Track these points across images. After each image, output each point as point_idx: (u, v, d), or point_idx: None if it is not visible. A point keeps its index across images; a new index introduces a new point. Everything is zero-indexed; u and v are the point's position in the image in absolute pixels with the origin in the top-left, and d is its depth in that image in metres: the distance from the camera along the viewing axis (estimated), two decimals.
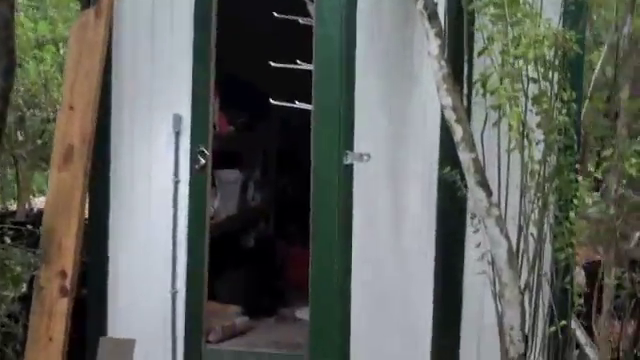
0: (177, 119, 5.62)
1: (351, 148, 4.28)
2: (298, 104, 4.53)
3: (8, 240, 5.77)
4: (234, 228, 6.88)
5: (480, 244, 4.48)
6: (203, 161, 5.59)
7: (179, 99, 5.64)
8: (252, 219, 7.47)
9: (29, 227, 5.62)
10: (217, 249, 5.78)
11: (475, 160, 4.25)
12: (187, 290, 5.67)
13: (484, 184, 4.25)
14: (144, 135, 5.72)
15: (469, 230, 5.11)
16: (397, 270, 5.26)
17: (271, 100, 4.66)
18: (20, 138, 7.93)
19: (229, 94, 6.42)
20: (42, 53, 8.17)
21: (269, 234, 7.93)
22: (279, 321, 6.71)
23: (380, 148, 4.92)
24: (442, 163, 4.99)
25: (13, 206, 8.39)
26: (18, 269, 5.53)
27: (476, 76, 4.51)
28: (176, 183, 5.65)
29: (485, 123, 4.47)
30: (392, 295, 5.29)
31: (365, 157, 4.33)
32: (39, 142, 7.87)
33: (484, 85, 4.41)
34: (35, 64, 8.01)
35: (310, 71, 4.58)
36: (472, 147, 4.26)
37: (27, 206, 8.29)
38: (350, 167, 4.27)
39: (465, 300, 5.34)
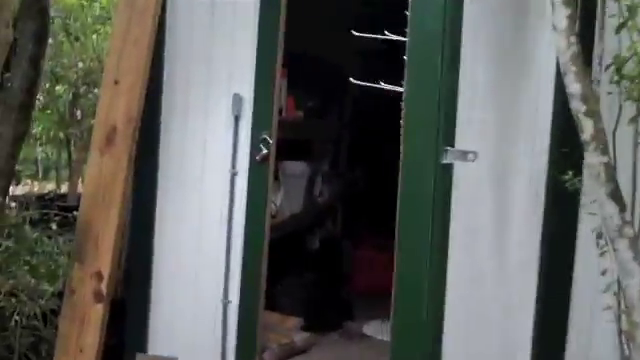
0: (237, 100, 4.81)
1: (452, 144, 3.41)
2: (383, 85, 3.68)
3: (54, 226, 5.10)
4: (298, 228, 6.06)
5: (606, 271, 3.56)
6: (265, 151, 4.79)
7: (240, 77, 4.85)
8: (318, 217, 6.64)
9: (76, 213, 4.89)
10: (277, 251, 4.98)
11: (607, 166, 3.32)
12: (241, 300, 4.88)
13: (617, 197, 3.32)
14: (198, 118, 4.94)
15: (581, 248, 4.23)
16: (497, 288, 4.37)
17: (351, 79, 3.81)
18: (76, 117, 7.28)
19: (297, 74, 5.59)
20: (104, 27, 7.47)
21: (336, 235, 7.09)
22: (344, 337, 5.90)
23: (484, 146, 4.04)
24: (554, 166, 4.09)
25: (65, 188, 7.77)
26: (61, 259, 4.83)
27: (609, 59, 3.55)
28: (233, 175, 4.86)
29: (618, 119, 3.53)
30: (490, 317, 4.40)
31: (471, 156, 3.44)
32: (92, 122, 7.17)
33: (619, 70, 3.46)
34: (95, 39, 7.32)
35: (398, 48, 3.71)
36: (604, 149, 3.33)
37: (79, 189, 7.68)
38: (449, 167, 3.40)
39: (571, 329, 4.40)
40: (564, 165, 3.90)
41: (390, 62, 3.90)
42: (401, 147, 3.37)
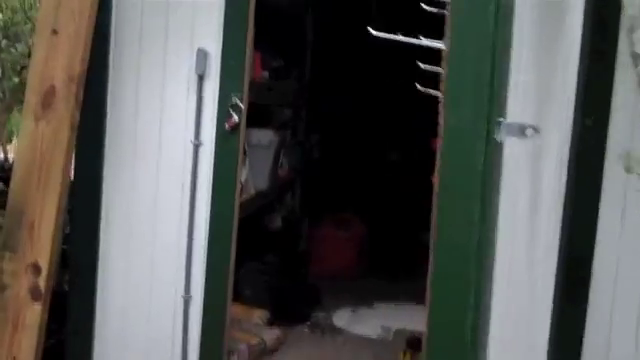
0: (202, 56, 4.02)
1: (504, 116, 2.69)
2: (404, 38, 2.93)
3: None
4: (262, 207, 5.30)
5: None
6: (236, 117, 4.00)
7: (206, 27, 4.05)
8: (280, 193, 5.89)
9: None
10: (238, 234, 4.20)
11: None
12: (205, 295, 4.11)
13: None
14: (155, 78, 4.12)
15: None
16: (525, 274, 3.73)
17: (371, 30, 3.04)
18: None
19: (262, 27, 4.79)
20: None
21: (296, 212, 6.35)
22: (314, 330, 5.20)
23: (528, 115, 3.36)
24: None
25: None
26: None
27: None
28: (197, 147, 4.07)
29: None
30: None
31: (529, 131, 2.73)
32: (17, 80, 6.21)
33: None
34: None
35: None
36: None
37: (2, 155, 6.92)
38: (501, 146, 2.69)
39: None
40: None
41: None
42: (440, 119, 2.65)
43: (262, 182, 5.07)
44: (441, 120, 2.68)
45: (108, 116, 4.14)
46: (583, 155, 3.57)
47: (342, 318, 5.44)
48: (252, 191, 4.92)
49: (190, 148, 4.07)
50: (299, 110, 6.37)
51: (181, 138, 4.09)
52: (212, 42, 4.02)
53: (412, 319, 5.50)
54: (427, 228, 2.90)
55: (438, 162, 2.66)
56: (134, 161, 4.15)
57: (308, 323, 5.24)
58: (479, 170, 2.55)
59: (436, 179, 2.68)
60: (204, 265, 4.10)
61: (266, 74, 5.19)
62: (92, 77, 3.96)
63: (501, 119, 2.64)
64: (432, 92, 3.28)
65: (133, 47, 4.11)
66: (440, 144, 2.66)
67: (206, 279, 4.10)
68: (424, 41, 2.89)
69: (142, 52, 4.11)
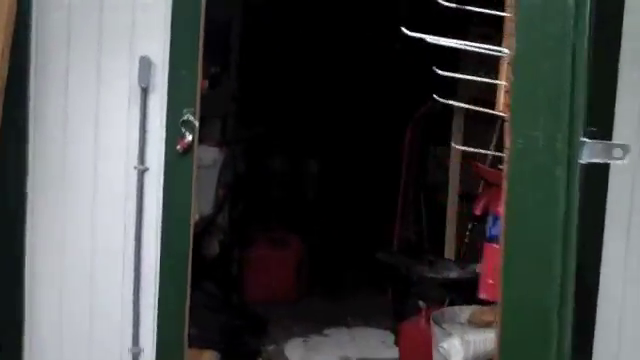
0: (145, 66, 3.38)
1: (592, 134, 2.19)
2: (453, 41, 2.40)
3: None
4: (205, 232, 4.67)
5: None
6: (189, 137, 3.37)
7: (149, 31, 3.40)
8: (217, 213, 5.25)
9: None
10: None
11: None
12: (159, 345, 3.49)
13: None
14: (87, 91, 3.44)
15: None
16: None
17: (405, 30, 2.49)
18: None
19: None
20: None
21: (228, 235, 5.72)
22: None
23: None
24: None
25: None
26: None
27: None
28: (142, 172, 3.41)
29: None
30: None
31: (618, 152, 2.23)
32: None
33: None
34: None
35: None
36: None
37: None
38: (591, 169, 2.18)
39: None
40: None
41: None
42: (507, 138, 2.14)
43: (206, 206, 4.44)
44: (507, 142, 2.16)
45: (30, 139, 3.43)
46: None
47: (295, 350, 4.90)
48: (197, 217, 4.27)
49: (133, 174, 3.42)
50: (225, 120, 5.75)
51: (122, 163, 3.43)
52: (157, 49, 3.38)
53: (369, 345, 5.05)
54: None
55: (505, 194, 2.12)
56: (64, 193, 3.46)
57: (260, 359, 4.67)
58: (559, 202, 2.03)
59: (504, 216, 2.14)
60: (155, 310, 3.46)
61: (206, 83, 4.55)
62: (10, 92, 3.24)
63: (584, 139, 2.13)
64: (454, 103, 2.81)
65: (59, 55, 3.41)
66: (507, 171, 2.14)
67: (159, 326, 3.47)
68: (480, 45, 2.36)
69: (71, 61, 3.42)
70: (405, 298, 4.87)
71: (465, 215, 5.95)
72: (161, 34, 3.36)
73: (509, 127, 2.16)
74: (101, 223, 3.45)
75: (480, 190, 4.98)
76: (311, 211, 7.03)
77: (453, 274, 4.83)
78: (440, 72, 2.91)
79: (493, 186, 2.54)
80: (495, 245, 2.54)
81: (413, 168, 6.36)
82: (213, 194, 4.59)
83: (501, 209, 2.34)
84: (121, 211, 3.44)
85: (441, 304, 4.39)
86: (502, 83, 2.68)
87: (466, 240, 5.77)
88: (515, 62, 2.17)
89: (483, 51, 2.40)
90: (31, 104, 3.41)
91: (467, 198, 5.90)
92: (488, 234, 2.54)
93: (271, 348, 4.86)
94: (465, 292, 4.59)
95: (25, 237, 3.45)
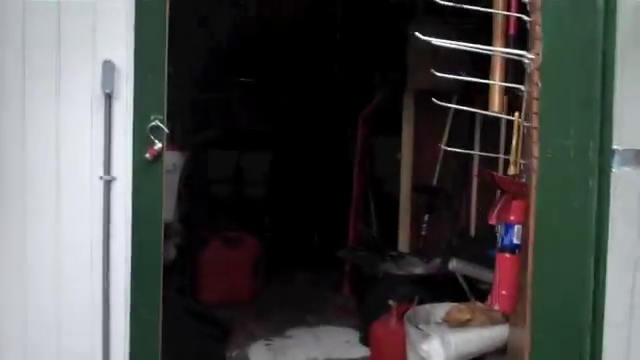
0: (109, 70, 3.19)
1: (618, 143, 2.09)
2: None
3: None
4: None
5: None
6: (159, 144, 3.21)
7: (112, 33, 3.21)
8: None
9: None
10: None
11: None
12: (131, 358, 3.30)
13: None
14: (46, 98, 3.23)
15: None
16: None
17: (419, 35, 2.38)
18: None
19: None
20: None
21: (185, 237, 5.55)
22: None
23: None
24: None
25: None
26: None
27: None
28: (108, 182, 3.22)
29: None
30: None
31: None
32: None
33: None
34: None
35: None
36: None
37: None
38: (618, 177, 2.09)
39: None
40: None
41: None
42: (535, 146, 2.05)
43: (168, 212, 4.26)
44: (535, 152, 2.07)
45: None
46: None
47: (259, 354, 4.76)
48: None
49: (99, 185, 3.23)
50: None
51: (86, 173, 3.24)
52: (121, 53, 3.19)
53: (334, 345, 4.97)
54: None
55: (533, 204, 2.04)
56: (24, 205, 3.24)
57: None
58: (590, 212, 1.96)
59: (531, 225, 2.06)
60: (127, 324, 3.29)
61: None
62: None
63: (616, 146, 2.06)
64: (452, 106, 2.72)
65: (15, 57, 3.19)
66: (535, 182, 2.06)
67: (132, 340, 3.30)
68: (507, 50, 2.27)
69: (27, 67, 3.20)
70: (370, 296, 4.79)
71: (418, 207, 5.93)
72: (124, 36, 3.19)
73: (536, 136, 2.07)
74: (66, 238, 3.25)
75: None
76: (263, 209, 6.92)
77: (419, 270, 4.77)
78: (437, 74, 2.83)
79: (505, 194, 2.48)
80: (507, 255, 2.48)
81: (364, 161, 6.29)
82: (174, 199, 4.43)
83: (513, 217, 2.27)
84: (87, 223, 3.25)
85: (410, 302, 4.31)
86: (496, 84, 2.62)
87: (423, 232, 5.74)
88: (543, 68, 2.08)
89: (504, 55, 2.31)
90: None
91: (419, 189, 5.86)
92: (500, 244, 2.48)
93: (235, 354, 4.71)
94: (432, 288, 4.54)
95: None
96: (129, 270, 3.27)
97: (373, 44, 6.58)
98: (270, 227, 6.77)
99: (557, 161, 2.01)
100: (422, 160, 5.91)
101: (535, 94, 2.14)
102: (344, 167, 6.59)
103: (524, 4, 2.70)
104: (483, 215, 5.56)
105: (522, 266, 2.29)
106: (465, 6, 2.64)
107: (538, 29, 2.14)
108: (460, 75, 3.01)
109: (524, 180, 2.48)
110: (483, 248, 4.81)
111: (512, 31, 2.78)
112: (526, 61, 2.40)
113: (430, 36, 5.45)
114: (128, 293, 3.27)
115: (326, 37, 7.32)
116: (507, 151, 5.13)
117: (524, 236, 2.38)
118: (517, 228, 2.49)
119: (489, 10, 2.70)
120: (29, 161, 3.23)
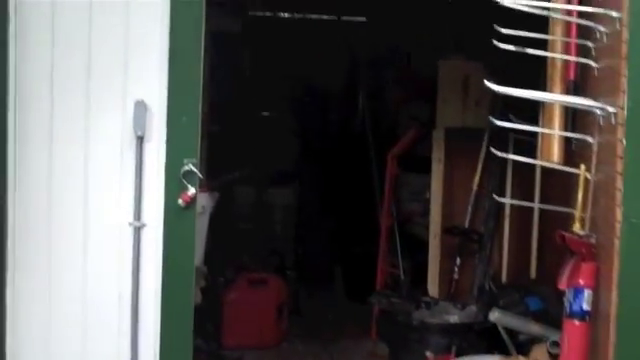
0: (141, 111, 3.06)
1: None
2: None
3: None
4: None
5: None
6: (192, 190, 3.04)
7: (145, 73, 3.07)
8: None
9: None
10: None
11: None
12: None
13: None
14: (75, 139, 3.10)
15: None
16: None
17: (490, 84, 2.20)
18: None
19: None
20: None
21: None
22: None
23: None
24: None
25: None
26: None
27: None
28: (138, 229, 3.06)
29: None
30: None
31: None
32: None
33: None
34: None
35: None
36: None
37: None
38: None
39: None
40: None
41: None
42: (619, 210, 1.88)
43: (198, 258, 4.09)
44: (618, 215, 1.90)
45: (10, 191, 3.06)
46: None
47: None
48: None
49: (129, 232, 3.07)
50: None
51: (115, 219, 3.09)
52: (153, 91, 3.05)
53: None
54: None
55: (616, 271, 1.87)
56: (50, 253, 3.10)
57: None
58: None
59: (613, 295, 1.88)
60: None
61: None
62: None
63: None
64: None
65: (42, 95, 3.06)
66: (618, 246, 1.88)
67: None
68: (585, 102, 2.10)
69: (55, 103, 3.07)
70: (405, 345, 4.57)
71: (449, 249, 5.74)
72: (157, 75, 3.04)
73: (619, 199, 1.89)
74: (92, 287, 3.11)
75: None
76: (288, 247, 6.75)
77: (454, 318, 4.56)
78: (499, 123, 2.66)
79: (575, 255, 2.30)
80: (577, 322, 2.29)
81: (391, 201, 6.12)
82: (203, 243, 4.25)
83: (583, 281, 2.10)
84: (115, 273, 3.09)
85: (447, 353, 4.11)
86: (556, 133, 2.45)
87: (455, 277, 5.53)
88: (629, 123, 1.90)
89: (582, 107, 2.13)
90: (11, 152, 3.05)
91: (451, 232, 5.67)
92: (569, 309, 2.29)
93: None
94: (469, 338, 4.34)
95: (4, 304, 3.07)
96: (159, 320, 3.10)
97: (402, 81, 6.46)
98: (295, 266, 6.59)
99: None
100: (452, 200, 5.74)
101: (619, 151, 1.97)
102: (371, 205, 6.42)
103: (588, 48, 2.54)
104: (516, 259, 5.46)
105: (593, 335, 2.12)
106: (529, 50, 2.47)
107: (623, 80, 1.97)
108: (514, 121, 2.83)
109: (593, 240, 2.31)
110: (520, 296, 4.65)
111: (572, 76, 2.63)
112: (598, 112, 2.23)
113: (458, 71, 5.41)
114: (158, 345, 3.10)
115: (354, 74, 7.22)
116: (543, 196, 5.09)
117: (595, 302, 2.19)
118: (587, 293, 2.30)
119: (553, 55, 2.54)
120: (55, 207, 3.10)
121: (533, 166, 4.89)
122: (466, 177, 5.49)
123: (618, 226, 1.92)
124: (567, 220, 2.85)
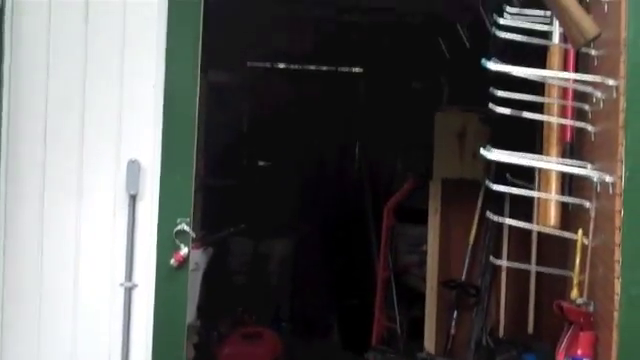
0: (134, 171, 3.02)
1: None
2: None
3: None
4: None
5: None
6: (185, 249, 3.00)
7: (137, 132, 3.04)
8: None
9: None
10: None
11: None
12: None
13: None
14: (67, 198, 3.07)
15: None
16: None
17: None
18: None
19: None
20: None
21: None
22: None
23: None
24: None
25: None
26: None
27: None
28: (129, 290, 3.01)
29: None
30: None
31: None
32: None
33: None
34: None
35: None
36: None
37: None
38: None
39: None
40: None
41: None
42: (617, 282, 1.84)
43: (191, 315, 4.03)
44: (617, 288, 1.85)
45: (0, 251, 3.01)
46: None
47: None
48: None
49: (120, 292, 3.02)
50: None
51: (106, 279, 3.04)
52: (147, 150, 3.03)
53: None
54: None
55: (615, 345, 1.82)
56: (39, 313, 3.04)
57: None
58: None
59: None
60: None
61: None
62: None
63: None
64: None
65: (34, 155, 3.04)
66: (617, 319, 1.83)
67: None
68: (584, 173, 2.07)
69: (47, 163, 3.04)
70: None
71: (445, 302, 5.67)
72: (151, 135, 3.02)
73: (618, 271, 1.85)
74: (82, 349, 3.03)
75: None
76: (283, 299, 6.68)
77: None
78: (495, 187, 2.61)
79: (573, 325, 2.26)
80: None
81: (387, 253, 6.06)
82: (196, 300, 4.19)
83: (581, 351, 2.05)
84: (105, 334, 3.03)
85: None
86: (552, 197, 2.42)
87: (452, 331, 5.46)
88: (626, 193, 1.87)
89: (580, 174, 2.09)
90: (1, 211, 3.01)
91: (448, 285, 5.61)
92: None
93: None
94: None
95: None
96: None
97: (398, 133, 6.46)
98: (289, 317, 6.52)
99: None
100: (450, 252, 5.69)
101: (617, 222, 1.93)
102: (366, 257, 6.36)
103: (584, 111, 2.52)
104: (513, 313, 5.40)
105: None
106: (525, 114, 2.46)
107: (620, 149, 1.94)
108: (518, 186, 2.80)
109: (591, 308, 2.27)
110: (518, 353, 4.58)
111: (568, 138, 2.60)
112: (595, 178, 2.20)
113: (454, 123, 5.39)
114: None
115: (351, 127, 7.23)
116: (540, 252, 5.04)
117: None
118: None
119: (549, 118, 2.51)
120: (46, 266, 3.07)
121: (530, 219, 4.88)
122: (463, 229, 5.45)
123: (617, 298, 1.89)
124: (565, 277, 2.81)
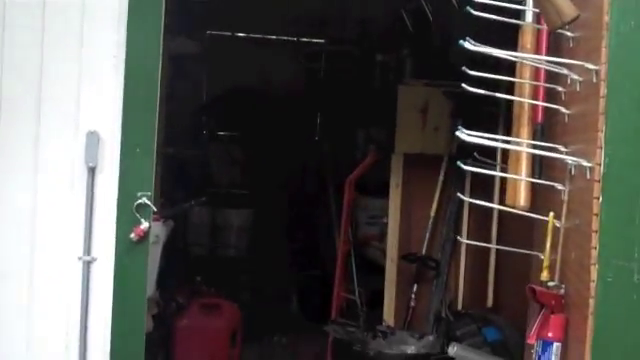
0: (93, 142, 2.94)
1: None
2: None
3: None
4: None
5: None
6: (145, 223, 2.94)
7: (97, 102, 2.95)
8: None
9: None
10: None
11: None
12: None
13: None
14: (22, 170, 2.97)
15: None
16: None
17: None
18: None
19: None
20: None
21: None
22: None
23: None
24: None
25: None
26: None
27: None
28: (87, 264, 2.94)
29: None
30: None
31: None
32: None
33: None
34: None
35: None
36: None
37: None
38: None
39: None
40: None
41: None
42: (593, 268, 1.82)
43: (150, 288, 3.96)
44: (593, 275, 1.84)
45: None
46: None
47: None
48: None
49: (78, 266, 2.95)
50: None
51: (64, 253, 2.96)
52: (107, 122, 2.94)
53: None
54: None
55: (590, 331, 1.81)
56: None
57: None
58: None
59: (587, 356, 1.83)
60: None
61: None
62: None
63: None
64: None
65: None
66: (592, 307, 1.81)
67: None
68: (560, 157, 2.04)
69: (1, 134, 2.95)
70: None
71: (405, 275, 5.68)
72: (111, 105, 2.94)
73: (595, 257, 1.84)
74: (39, 327, 2.97)
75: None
76: (242, 269, 6.64)
77: (411, 348, 4.50)
78: (464, 167, 2.59)
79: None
80: None
81: (348, 226, 6.05)
82: (156, 273, 4.13)
83: (552, 334, 2.05)
84: (63, 309, 2.96)
85: None
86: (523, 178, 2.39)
87: (412, 304, 5.47)
88: (605, 180, 1.84)
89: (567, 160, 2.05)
90: None
91: (408, 259, 5.62)
92: None
93: None
94: None
95: None
96: (108, 357, 2.98)
97: (360, 106, 6.42)
98: (248, 288, 6.49)
99: (618, 285, 1.80)
100: (410, 225, 5.69)
101: (595, 209, 1.91)
102: (327, 229, 6.35)
103: (557, 92, 2.49)
104: (473, 286, 5.43)
105: None
106: (498, 95, 2.43)
107: (600, 135, 1.90)
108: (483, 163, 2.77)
109: (562, 291, 2.26)
110: (478, 327, 4.61)
111: (540, 119, 2.58)
112: (570, 162, 2.17)
113: (417, 97, 5.37)
114: None
115: (312, 99, 7.17)
116: (501, 223, 5.07)
117: (563, 355, 2.14)
118: (556, 346, 2.25)
119: (521, 99, 2.48)
120: (5, 237, 2.95)
121: (491, 193, 4.89)
122: (424, 203, 5.44)
123: (593, 285, 1.87)
124: (527, 250, 2.81)
